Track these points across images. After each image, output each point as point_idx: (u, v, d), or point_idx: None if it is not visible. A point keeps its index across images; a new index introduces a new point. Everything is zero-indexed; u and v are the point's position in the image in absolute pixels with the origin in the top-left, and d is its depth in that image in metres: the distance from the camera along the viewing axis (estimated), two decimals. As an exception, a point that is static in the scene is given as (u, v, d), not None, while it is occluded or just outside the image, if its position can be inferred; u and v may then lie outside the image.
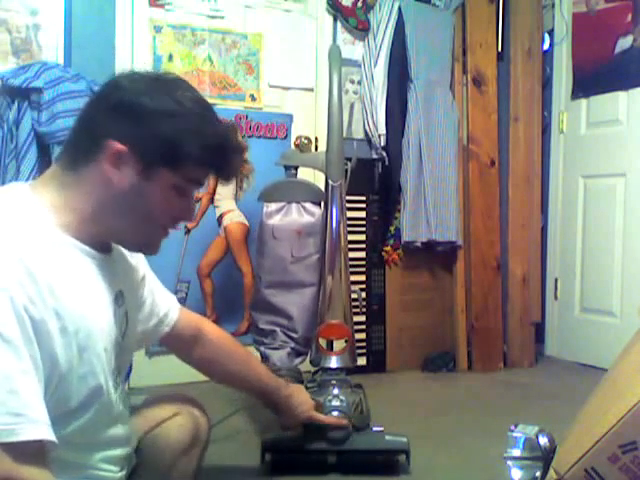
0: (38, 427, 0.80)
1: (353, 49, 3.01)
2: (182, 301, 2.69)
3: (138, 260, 1.18)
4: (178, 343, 1.32)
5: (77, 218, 0.95)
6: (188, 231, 2.71)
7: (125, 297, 1.06)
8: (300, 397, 1.60)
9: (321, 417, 1.69)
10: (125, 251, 1.10)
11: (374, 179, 2.99)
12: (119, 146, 0.93)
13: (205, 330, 1.37)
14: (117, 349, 1.02)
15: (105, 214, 0.97)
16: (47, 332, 0.85)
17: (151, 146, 0.94)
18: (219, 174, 1.03)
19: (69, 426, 0.92)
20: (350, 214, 2.45)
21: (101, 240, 1.00)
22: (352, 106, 3.03)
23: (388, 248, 3.00)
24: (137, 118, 0.94)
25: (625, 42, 2.95)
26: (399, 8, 2.97)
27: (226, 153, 1.01)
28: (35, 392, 0.81)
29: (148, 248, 1.06)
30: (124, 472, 1.10)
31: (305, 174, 2.37)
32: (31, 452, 0.79)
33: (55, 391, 0.87)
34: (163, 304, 1.26)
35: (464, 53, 3.13)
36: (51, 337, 0.85)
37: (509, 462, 1.41)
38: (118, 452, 1.06)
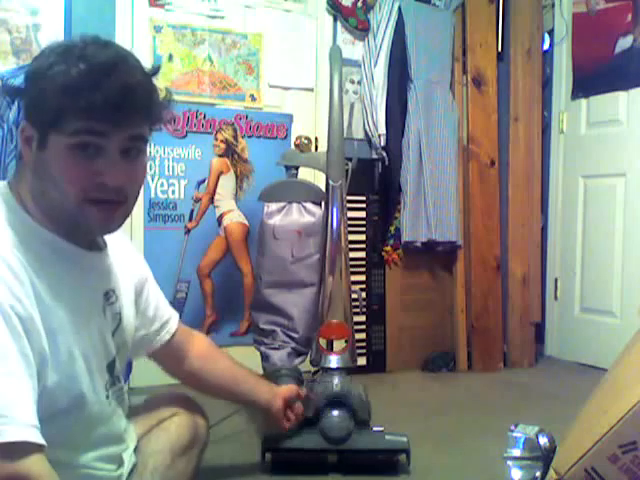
0: (23, 428, 0.79)
1: (353, 49, 3.00)
2: (182, 301, 2.70)
3: (138, 262, 1.18)
4: (172, 354, 1.30)
5: (41, 211, 0.93)
6: (188, 231, 2.71)
7: (118, 296, 1.05)
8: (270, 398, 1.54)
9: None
10: (123, 251, 1.10)
11: (374, 179, 2.99)
12: (24, 123, 0.93)
13: (196, 343, 1.35)
14: (108, 346, 1.02)
15: (41, 199, 0.93)
16: (36, 329, 0.85)
17: (33, 113, 0.92)
18: (106, 112, 0.88)
19: (60, 426, 0.91)
20: (350, 214, 2.45)
21: (70, 231, 0.95)
22: (352, 106, 3.02)
23: (388, 248, 3.00)
24: (27, 89, 0.93)
25: (625, 42, 2.95)
26: (399, 8, 2.97)
27: (96, 85, 0.87)
28: (22, 393, 0.80)
29: (97, 226, 0.96)
30: (122, 469, 1.09)
31: (305, 174, 2.37)
32: (21, 451, 0.78)
33: (44, 390, 0.87)
34: (166, 310, 1.26)
35: (464, 53, 3.13)
36: (39, 334, 0.85)
37: (509, 462, 1.41)
38: (113, 450, 1.06)
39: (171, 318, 1.28)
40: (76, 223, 0.94)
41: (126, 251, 1.13)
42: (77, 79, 0.87)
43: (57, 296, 0.89)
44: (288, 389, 1.62)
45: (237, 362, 1.45)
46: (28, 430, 0.79)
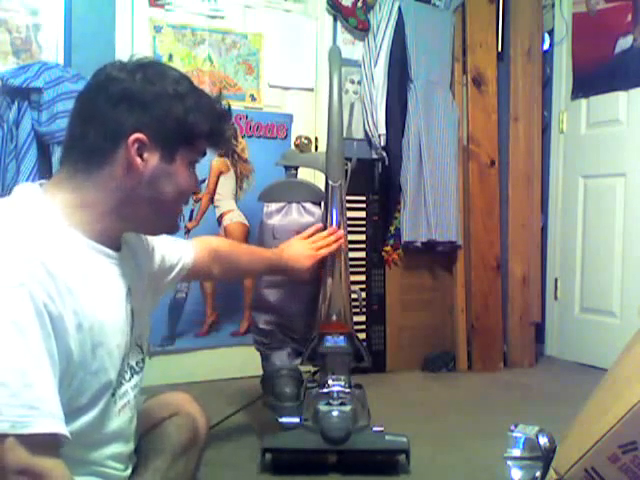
0: (52, 420, 0.82)
1: (353, 49, 3.01)
2: (182, 301, 2.70)
3: (146, 248, 1.19)
4: (200, 272, 1.46)
5: (94, 216, 0.97)
6: (188, 231, 2.71)
7: (132, 293, 1.07)
8: (293, 250, 1.86)
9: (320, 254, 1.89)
10: (133, 246, 1.11)
11: (374, 179, 2.99)
12: (140, 136, 0.95)
13: (217, 247, 1.54)
14: (128, 345, 1.03)
15: (130, 205, 0.99)
16: (64, 329, 0.87)
17: (167, 129, 0.98)
18: (219, 143, 1.09)
19: (77, 422, 0.93)
20: (350, 214, 2.45)
21: (115, 236, 1.02)
22: (352, 106, 3.02)
23: (388, 248, 3.00)
24: (147, 105, 0.97)
25: (625, 42, 2.95)
26: (399, 8, 2.97)
27: (224, 122, 1.07)
28: (50, 386, 0.84)
29: (171, 228, 1.09)
30: (129, 471, 1.10)
31: (305, 174, 2.37)
32: (45, 444, 0.82)
33: (69, 387, 0.90)
34: (174, 257, 1.32)
35: (464, 53, 3.13)
36: (68, 334, 0.88)
37: (509, 462, 1.41)
38: (123, 449, 1.07)
39: (181, 259, 1.33)
40: (159, 222, 1.06)
41: (136, 244, 1.14)
42: (216, 112, 1.05)
43: (90, 296, 0.92)
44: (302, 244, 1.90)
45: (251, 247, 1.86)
46: (57, 422, 0.83)
